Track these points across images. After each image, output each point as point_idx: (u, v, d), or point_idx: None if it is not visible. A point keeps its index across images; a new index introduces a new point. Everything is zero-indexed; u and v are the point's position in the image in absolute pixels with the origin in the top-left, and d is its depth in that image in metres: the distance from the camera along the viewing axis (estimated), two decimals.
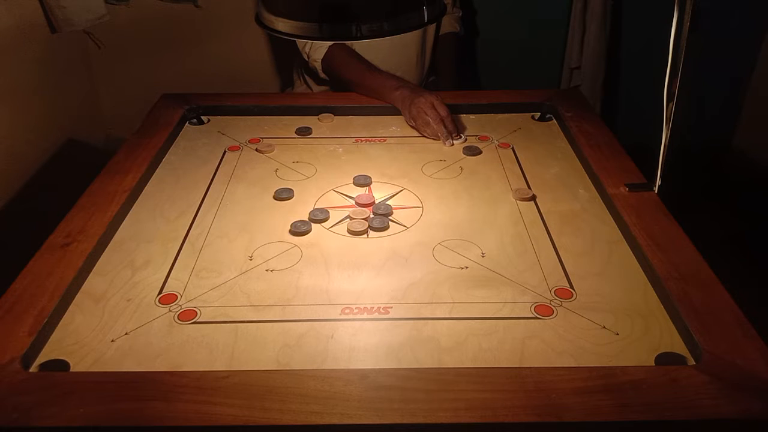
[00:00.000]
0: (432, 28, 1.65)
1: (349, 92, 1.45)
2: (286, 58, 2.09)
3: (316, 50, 1.51)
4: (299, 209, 1.07)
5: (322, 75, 1.55)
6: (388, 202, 1.08)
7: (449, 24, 1.71)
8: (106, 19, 1.90)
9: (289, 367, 0.75)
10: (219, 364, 0.75)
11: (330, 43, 1.46)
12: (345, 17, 0.77)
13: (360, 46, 1.48)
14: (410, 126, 1.32)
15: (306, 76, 1.68)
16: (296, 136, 1.31)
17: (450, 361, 0.75)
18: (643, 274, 0.90)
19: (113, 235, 0.99)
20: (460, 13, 1.75)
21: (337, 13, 0.77)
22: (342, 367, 0.75)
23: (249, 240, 0.98)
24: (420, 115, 1.28)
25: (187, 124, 1.35)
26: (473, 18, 2.11)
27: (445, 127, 1.27)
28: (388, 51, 1.54)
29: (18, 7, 1.66)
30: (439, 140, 1.27)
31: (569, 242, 0.97)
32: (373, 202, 1.08)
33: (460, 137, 1.29)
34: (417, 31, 1.59)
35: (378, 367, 0.74)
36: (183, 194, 1.10)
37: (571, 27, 2.05)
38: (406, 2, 0.79)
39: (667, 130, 0.99)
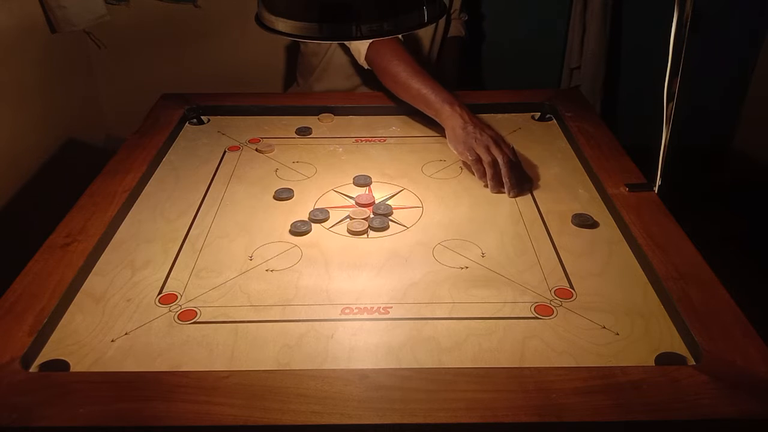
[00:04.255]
0: (441, 31, 1.64)
1: (349, 92, 1.45)
2: (286, 58, 2.10)
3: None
4: (299, 209, 1.07)
5: (362, 62, 1.40)
6: (388, 202, 1.08)
7: (455, 29, 1.71)
8: (106, 19, 1.90)
9: (289, 367, 0.75)
10: (219, 364, 0.75)
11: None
12: (345, 17, 0.77)
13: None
14: (456, 152, 1.16)
15: (306, 76, 1.67)
16: (296, 136, 1.31)
17: (450, 361, 0.75)
18: (643, 274, 0.90)
19: (113, 235, 0.99)
20: (467, 18, 1.75)
21: (337, 13, 0.77)
22: (342, 367, 0.75)
23: (249, 240, 0.98)
24: (485, 153, 1.10)
25: (187, 124, 1.35)
26: (473, 18, 2.11)
27: (510, 178, 1.08)
28: None
29: (18, 7, 1.66)
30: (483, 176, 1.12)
31: (569, 242, 0.97)
32: (373, 202, 1.08)
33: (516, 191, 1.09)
34: (428, 35, 1.58)
35: (378, 367, 0.74)
36: (183, 194, 1.10)
37: (571, 27, 2.06)
38: (406, 2, 0.79)
39: (667, 130, 0.99)
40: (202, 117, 1.37)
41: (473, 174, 1.14)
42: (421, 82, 1.25)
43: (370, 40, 1.33)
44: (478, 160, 1.11)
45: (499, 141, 1.13)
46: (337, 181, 1.15)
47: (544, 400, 0.68)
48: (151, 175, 1.15)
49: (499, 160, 1.09)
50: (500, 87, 1.52)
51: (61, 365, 0.75)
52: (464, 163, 1.17)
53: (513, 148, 1.15)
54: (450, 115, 1.18)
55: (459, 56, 1.71)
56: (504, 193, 1.10)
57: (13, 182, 1.64)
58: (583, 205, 1.06)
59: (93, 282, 0.89)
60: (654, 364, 0.74)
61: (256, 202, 1.09)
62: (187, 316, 0.83)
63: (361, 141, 1.29)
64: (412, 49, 1.51)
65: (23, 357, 0.74)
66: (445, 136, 1.20)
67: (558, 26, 2.10)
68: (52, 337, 0.79)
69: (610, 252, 0.95)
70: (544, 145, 1.26)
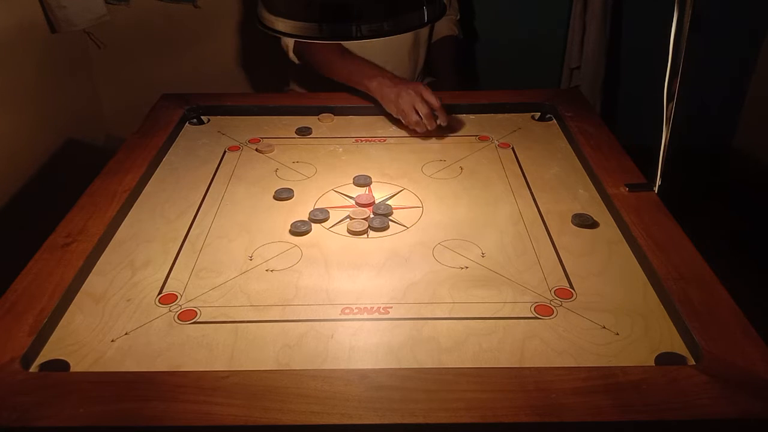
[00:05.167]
0: (425, 30, 1.63)
1: (350, 92, 1.45)
2: (286, 57, 2.09)
3: None
4: (299, 209, 1.07)
5: (291, 56, 1.51)
6: (388, 202, 1.08)
7: (447, 27, 1.70)
8: (106, 19, 1.90)
9: (289, 367, 0.75)
10: (219, 364, 0.75)
11: None
12: (345, 17, 0.77)
13: (349, 46, 1.46)
14: (394, 115, 1.31)
15: (295, 77, 1.66)
16: (296, 136, 1.31)
17: (450, 361, 0.75)
18: (643, 274, 0.90)
19: (113, 235, 0.99)
20: (458, 17, 1.74)
21: (337, 13, 0.77)
22: (342, 367, 0.75)
23: (249, 240, 0.98)
24: (410, 113, 1.26)
25: (187, 124, 1.35)
26: (473, 18, 2.11)
27: (437, 118, 1.26)
28: (380, 51, 1.51)
29: (18, 7, 1.66)
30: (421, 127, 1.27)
31: (569, 242, 0.97)
32: (373, 202, 1.08)
33: (444, 122, 1.28)
34: (408, 33, 1.58)
35: (378, 367, 0.74)
36: (183, 194, 1.10)
37: (571, 27, 2.06)
38: (406, 2, 0.79)
39: (667, 130, 0.99)
40: (202, 117, 1.37)
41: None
42: (347, 63, 1.38)
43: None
44: (410, 122, 1.27)
45: (420, 95, 1.25)
46: (337, 181, 1.15)
47: (544, 400, 0.68)
48: (151, 175, 1.15)
49: (422, 115, 1.25)
50: (500, 87, 1.52)
51: (61, 365, 0.75)
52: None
53: (436, 96, 1.27)
54: (376, 88, 1.32)
55: (454, 55, 1.70)
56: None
57: (13, 182, 1.64)
58: (583, 205, 1.06)
59: (93, 282, 0.89)
60: (654, 364, 0.74)
61: (256, 202, 1.09)
62: (187, 316, 0.83)
63: (361, 141, 1.29)
64: (397, 46, 1.53)
65: (23, 357, 0.74)
66: (443, 135, 1.24)
67: (558, 26, 2.10)
68: (52, 337, 0.79)
69: (610, 252, 0.95)
70: (544, 145, 1.26)
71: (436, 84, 1.71)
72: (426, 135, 1.30)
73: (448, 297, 0.86)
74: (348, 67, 1.38)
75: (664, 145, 1.00)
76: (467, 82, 2.08)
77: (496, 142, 1.28)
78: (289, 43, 1.49)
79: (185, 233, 1.00)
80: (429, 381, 0.71)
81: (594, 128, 1.26)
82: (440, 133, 1.31)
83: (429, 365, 0.75)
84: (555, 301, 0.85)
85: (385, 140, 1.30)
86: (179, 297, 0.86)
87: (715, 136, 2.32)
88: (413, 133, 1.31)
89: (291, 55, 1.51)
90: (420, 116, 1.25)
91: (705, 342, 0.75)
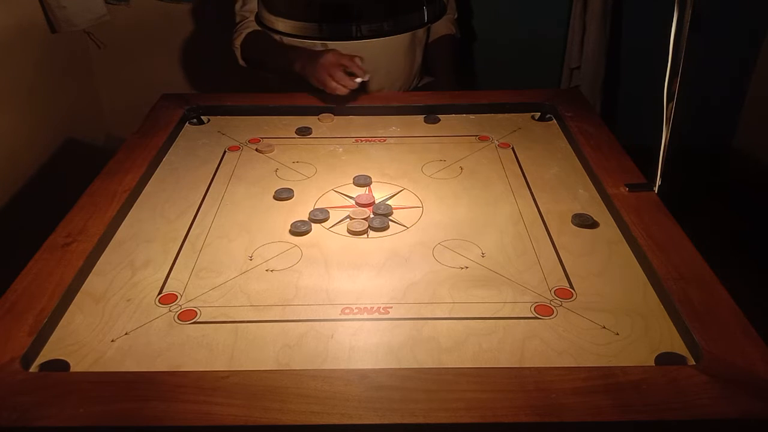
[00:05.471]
0: (422, 29, 1.63)
1: (349, 92, 1.45)
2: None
3: (238, 36, 1.52)
4: (299, 209, 1.07)
5: (241, 62, 1.55)
6: (388, 202, 1.08)
7: (445, 27, 1.69)
8: (106, 19, 1.90)
9: (289, 367, 0.75)
10: (219, 364, 0.75)
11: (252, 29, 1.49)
12: (345, 17, 0.77)
13: (349, 46, 1.46)
14: (320, 88, 1.37)
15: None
16: (296, 136, 1.31)
17: (450, 361, 0.75)
18: (643, 274, 0.90)
19: (113, 235, 0.99)
20: (456, 15, 1.74)
21: (337, 13, 0.77)
22: (342, 367, 0.75)
23: (249, 240, 0.98)
24: (327, 80, 1.32)
25: (187, 124, 1.35)
26: (473, 18, 2.11)
27: (353, 74, 1.32)
28: (377, 51, 1.50)
29: (18, 7, 1.66)
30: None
31: (569, 242, 0.97)
32: (373, 202, 1.08)
33: (366, 77, 1.34)
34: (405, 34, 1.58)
35: (378, 367, 0.74)
36: (183, 194, 1.10)
37: (571, 27, 2.06)
38: (406, 2, 0.79)
39: (667, 130, 0.99)
40: (202, 117, 1.37)
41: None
42: (280, 54, 1.44)
43: (240, 41, 1.51)
44: (330, 89, 1.33)
45: (333, 61, 1.32)
46: (337, 181, 1.15)
47: (544, 400, 0.68)
48: (151, 175, 1.15)
49: (337, 79, 1.32)
50: (500, 87, 1.52)
51: (61, 365, 0.75)
52: None
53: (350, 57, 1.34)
54: (300, 69, 1.39)
55: (452, 55, 1.70)
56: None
57: (13, 182, 1.64)
58: (583, 205, 1.06)
59: (93, 282, 0.89)
60: (654, 364, 0.74)
61: (256, 202, 1.09)
62: (187, 316, 0.83)
63: (361, 141, 1.29)
64: (394, 47, 1.53)
65: (23, 357, 0.74)
66: (443, 135, 1.24)
67: (558, 26, 2.10)
68: (52, 337, 0.79)
69: (610, 252, 0.95)
70: (544, 145, 1.26)
71: (434, 84, 1.71)
72: (425, 134, 1.30)
73: (448, 297, 0.86)
74: (281, 58, 1.44)
75: (664, 145, 1.00)
76: (467, 82, 2.08)
77: (496, 142, 1.28)
78: (237, 51, 1.54)
79: (185, 233, 1.00)
80: (429, 381, 0.71)
81: (594, 128, 1.26)
82: (440, 133, 1.31)
83: (429, 365, 0.75)
84: (555, 301, 0.85)
85: (385, 140, 1.30)
86: (179, 297, 0.86)
87: (715, 136, 2.32)
88: (413, 133, 1.31)
89: (241, 62, 1.55)
90: (332, 86, 1.32)
91: (705, 342, 0.75)
